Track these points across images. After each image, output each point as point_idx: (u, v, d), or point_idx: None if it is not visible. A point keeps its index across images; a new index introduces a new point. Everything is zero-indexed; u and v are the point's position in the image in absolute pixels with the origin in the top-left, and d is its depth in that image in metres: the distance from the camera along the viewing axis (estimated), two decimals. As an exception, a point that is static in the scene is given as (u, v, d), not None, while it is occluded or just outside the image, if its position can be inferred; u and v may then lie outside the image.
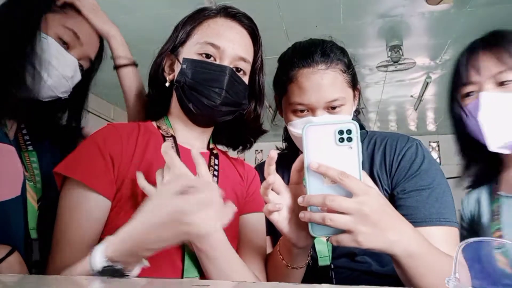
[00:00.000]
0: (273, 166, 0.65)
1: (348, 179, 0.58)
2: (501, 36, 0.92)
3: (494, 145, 0.88)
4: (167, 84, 0.86)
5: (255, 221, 0.87)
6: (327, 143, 0.60)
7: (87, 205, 0.71)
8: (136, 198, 0.72)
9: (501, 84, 0.87)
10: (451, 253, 0.75)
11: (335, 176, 0.58)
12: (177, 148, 0.82)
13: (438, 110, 4.97)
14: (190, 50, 0.83)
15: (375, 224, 0.58)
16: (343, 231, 0.59)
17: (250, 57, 0.86)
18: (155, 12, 2.76)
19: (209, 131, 0.91)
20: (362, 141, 1.00)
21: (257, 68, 0.90)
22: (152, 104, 0.92)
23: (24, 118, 0.92)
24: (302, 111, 0.92)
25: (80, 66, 0.95)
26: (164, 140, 0.83)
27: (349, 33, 3.04)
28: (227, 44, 0.82)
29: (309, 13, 2.83)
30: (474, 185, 1.05)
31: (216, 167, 0.86)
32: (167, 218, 0.56)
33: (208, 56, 0.81)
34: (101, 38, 1.01)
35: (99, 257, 0.58)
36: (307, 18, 2.89)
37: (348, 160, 0.59)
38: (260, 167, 1.05)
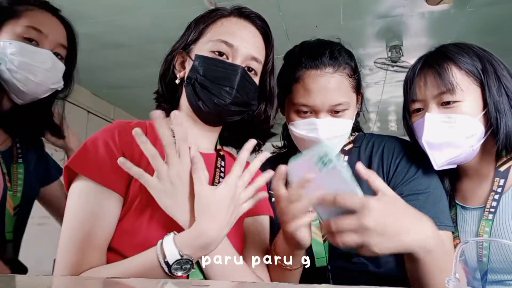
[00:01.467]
0: (281, 181, 0.68)
1: (341, 198, 0.61)
2: (445, 53, 0.93)
3: (437, 165, 0.91)
4: (177, 81, 0.85)
5: (260, 224, 0.87)
6: (313, 171, 0.63)
7: (102, 203, 0.69)
8: (145, 195, 0.70)
9: (444, 104, 0.89)
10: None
11: (331, 200, 0.62)
12: None
13: (438, 110, 4.98)
14: (202, 47, 0.82)
15: (383, 233, 0.60)
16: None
17: (262, 57, 0.86)
18: (155, 12, 2.76)
19: (216, 131, 0.90)
20: (360, 144, 1.01)
21: (268, 69, 0.89)
22: (161, 101, 0.91)
23: (15, 126, 1.02)
24: (305, 112, 0.92)
25: (58, 54, 1.01)
26: None
27: (349, 33, 3.03)
28: (241, 43, 0.81)
29: (309, 13, 2.82)
30: None
31: (222, 169, 0.85)
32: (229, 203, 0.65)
33: (220, 54, 0.80)
34: (67, 23, 1.08)
35: (172, 251, 0.61)
36: (307, 18, 2.89)
37: (337, 178, 0.62)
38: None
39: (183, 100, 0.86)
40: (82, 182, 0.70)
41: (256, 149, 0.96)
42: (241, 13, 0.86)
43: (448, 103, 0.88)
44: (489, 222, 0.87)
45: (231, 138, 0.94)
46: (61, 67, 1.02)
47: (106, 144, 0.73)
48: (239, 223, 0.83)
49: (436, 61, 0.92)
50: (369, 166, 0.94)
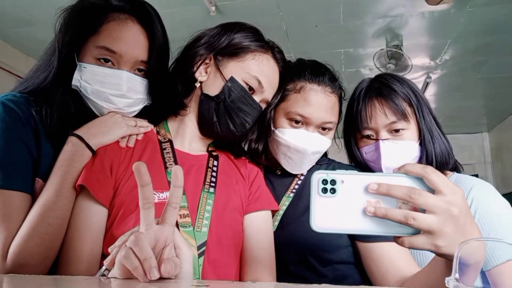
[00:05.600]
0: None
1: (431, 174, 0.51)
2: (387, 84, 1.03)
3: None
4: (197, 85, 0.86)
5: (260, 220, 0.88)
6: (335, 205, 0.53)
7: (87, 214, 0.73)
8: (128, 206, 0.73)
9: (394, 131, 1.00)
10: None
11: (405, 192, 0.51)
12: (174, 153, 0.83)
13: (438, 110, 4.97)
14: (238, 72, 0.84)
15: (460, 228, 0.51)
16: (418, 232, 0.52)
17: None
18: (155, 12, 2.75)
19: (210, 138, 0.93)
20: (321, 165, 1.08)
21: (272, 104, 0.93)
22: (175, 101, 0.88)
23: None
24: (297, 122, 0.95)
25: (141, 70, 0.87)
26: (161, 146, 0.84)
27: (349, 33, 3.03)
28: (268, 88, 0.88)
29: (309, 13, 2.82)
30: None
31: (215, 169, 0.87)
32: None
33: (251, 88, 0.85)
34: (151, 30, 0.87)
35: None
36: (307, 18, 2.88)
37: (357, 186, 0.53)
38: None
39: (193, 105, 0.88)
40: (82, 192, 0.76)
41: (235, 156, 0.97)
42: (276, 56, 0.91)
43: (397, 130, 0.99)
44: None
45: (223, 145, 0.96)
46: (141, 86, 0.87)
47: (98, 154, 0.79)
48: (236, 220, 0.83)
49: (382, 91, 1.01)
50: None
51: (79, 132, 0.80)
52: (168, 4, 2.65)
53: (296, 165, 0.99)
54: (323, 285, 0.49)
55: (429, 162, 1.01)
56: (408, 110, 1.01)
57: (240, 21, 0.91)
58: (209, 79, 0.86)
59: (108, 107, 0.85)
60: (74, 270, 0.69)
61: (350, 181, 0.53)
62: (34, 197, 0.76)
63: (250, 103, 0.85)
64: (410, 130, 1.00)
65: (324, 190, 0.53)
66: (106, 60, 0.83)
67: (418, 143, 1.02)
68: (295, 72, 0.98)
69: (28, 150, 0.78)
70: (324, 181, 0.53)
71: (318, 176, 0.53)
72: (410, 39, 3.19)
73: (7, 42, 3.37)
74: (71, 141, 0.79)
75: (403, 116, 0.99)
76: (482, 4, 2.68)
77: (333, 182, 0.53)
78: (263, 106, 0.91)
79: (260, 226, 0.87)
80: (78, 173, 0.76)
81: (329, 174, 0.53)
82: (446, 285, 0.44)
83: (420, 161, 1.02)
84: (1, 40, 3.33)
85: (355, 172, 0.54)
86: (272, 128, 0.98)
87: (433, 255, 0.58)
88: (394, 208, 0.52)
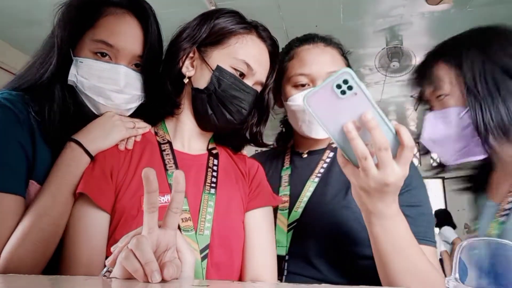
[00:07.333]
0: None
1: (405, 151, 0.57)
2: (438, 51, 0.93)
3: (448, 161, 0.90)
4: (185, 81, 0.84)
5: (261, 217, 0.87)
6: (333, 102, 0.55)
7: (89, 221, 0.72)
8: (130, 211, 0.72)
9: (437, 98, 0.90)
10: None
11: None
12: (174, 155, 0.82)
13: (438, 110, 4.99)
14: (224, 60, 0.82)
15: (380, 196, 0.61)
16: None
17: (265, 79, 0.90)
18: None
19: (210, 133, 0.91)
20: None
21: (268, 85, 0.91)
22: (166, 101, 0.86)
23: None
24: (303, 85, 0.95)
25: (138, 65, 0.86)
26: (160, 148, 0.83)
27: (349, 33, 3.04)
28: (259, 69, 0.84)
29: (309, 13, 2.82)
30: (470, 187, 1.03)
31: (215, 168, 0.86)
32: None
33: (241, 74, 0.83)
34: (146, 25, 0.86)
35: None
36: (307, 18, 2.89)
37: (360, 106, 0.55)
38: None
39: (186, 101, 0.86)
40: (81, 199, 0.74)
41: (238, 149, 0.96)
42: (260, 34, 0.88)
43: (440, 97, 0.88)
44: (500, 225, 0.80)
45: (224, 138, 0.94)
46: (138, 81, 0.85)
47: (98, 160, 0.77)
48: (238, 220, 0.83)
49: (430, 59, 0.93)
50: None
51: (77, 137, 0.78)
52: (168, 4, 2.65)
53: (316, 127, 0.96)
54: (323, 285, 0.49)
55: (480, 131, 0.81)
56: (453, 73, 0.86)
57: (219, 8, 0.89)
58: (197, 73, 0.84)
59: (105, 103, 0.82)
60: None
61: (360, 98, 0.55)
62: (28, 199, 0.75)
63: (243, 89, 0.82)
64: (452, 96, 0.86)
65: (338, 86, 0.54)
66: (103, 55, 0.81)
67: (466, 110, 0.83)
68: (287, 47, 1.00)
69: (23, 151, 0.76)
70: (345, 81, 0.54)
71: (346, 72, 0.54)
72: (410, 39, 3.19)
73: (7, 42, 3.37)
74: (70, 146, 0.77)
75: (439, 83, 0.87)
76: (482, 4, 2.69)
77: (350, 88, 0.54)
78: (258, 89, 0.87)
79: (261, 223, 0.86)
80: (75, 179, 0.74)
81: (354, 79, 0.54)
82: (446, 285, 0.44)
83: (470, 128, 0.83)
84: (1, 40, 3.34)
85: (371, 97, 0.55)
86: (284, 102, 0.99)
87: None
88: (362, 142, 0.56)
